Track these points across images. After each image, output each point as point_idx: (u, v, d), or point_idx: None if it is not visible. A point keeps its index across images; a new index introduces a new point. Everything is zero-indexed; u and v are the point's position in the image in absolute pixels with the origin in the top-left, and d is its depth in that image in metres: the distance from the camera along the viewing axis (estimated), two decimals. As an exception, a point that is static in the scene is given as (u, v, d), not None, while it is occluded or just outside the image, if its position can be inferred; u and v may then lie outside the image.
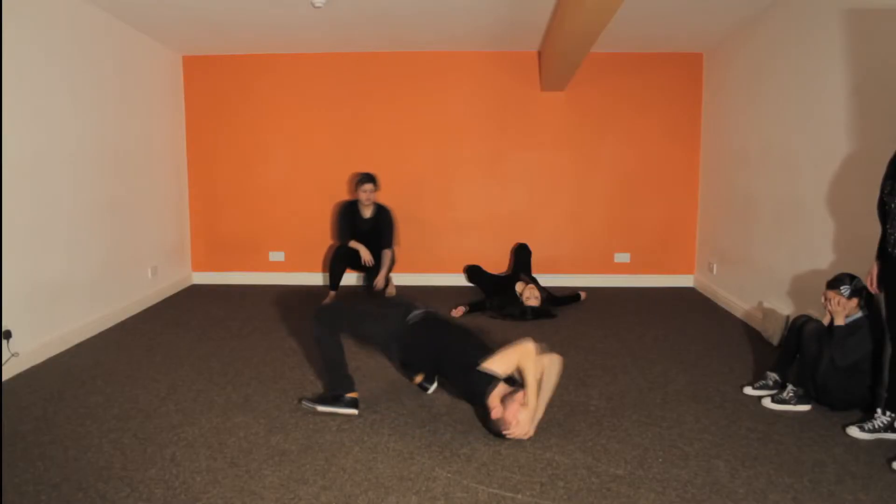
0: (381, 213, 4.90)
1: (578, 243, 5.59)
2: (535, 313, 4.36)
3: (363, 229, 4.84)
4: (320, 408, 2.69)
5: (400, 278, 5.52)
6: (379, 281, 4.75)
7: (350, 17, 4.27)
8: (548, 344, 3.74)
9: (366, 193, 4.76)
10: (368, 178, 4.78)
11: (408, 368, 2.94)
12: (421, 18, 4.33)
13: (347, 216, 4.84)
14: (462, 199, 5.56)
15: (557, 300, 4.67)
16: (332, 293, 4.80)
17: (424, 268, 5.59)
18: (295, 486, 2.12)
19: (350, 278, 5.25)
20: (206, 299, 5.03)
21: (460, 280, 5.52)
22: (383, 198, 5.54)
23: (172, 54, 5.24)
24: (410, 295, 5.06)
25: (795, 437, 2.50)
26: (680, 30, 4.58)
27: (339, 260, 4.78)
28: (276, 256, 5.65)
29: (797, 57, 3.69)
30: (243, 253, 5.65)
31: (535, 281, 4.75)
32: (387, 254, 4.82)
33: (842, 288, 2.68)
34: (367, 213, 4.85)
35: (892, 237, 2.42)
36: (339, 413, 2.68)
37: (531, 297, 4.42)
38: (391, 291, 5.05)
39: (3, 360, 3.13)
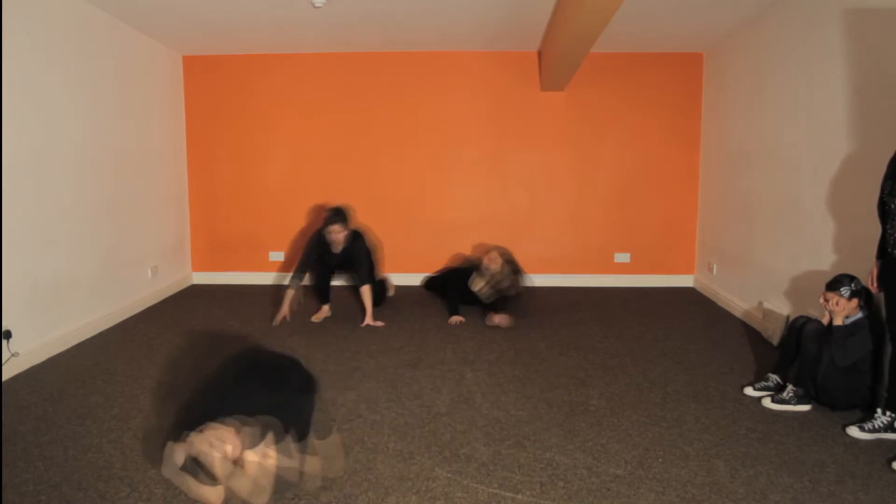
0: (354, 244, 4.19)
1: (578, 243, 5.59)
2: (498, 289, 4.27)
3: (333, 264, 4.27)
4: None
5: (400, 278, 5.53)
6: (371, 322, 4.17)
7: (350, 17, 4.27)
8: (547, 344, 3.76)
9: (331, 235, 4.07)
10: (334, 218, 4.05)
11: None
12: (421, 18, 4.33)
13: (315, 249, 4.18)
14: (462, 198, 5.56)
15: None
16: (325, 306, 4.42)
17: (425, 268, 5.58)
18: (295, 486, 2.12)
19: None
20: (206, 299, 5.03)
21: (460, 280, 5.52)
22: (384, 199, 5.56)
23: (172, 54, 5.25)
24: (413, 294, 5.07)
25: (795, 437, 2.50)
26: (680, 30, 4.58)
27: (321, 279, 4.32)
28: (277, 256, 5.65)
29: (797, 57, 3.69)
30: (243, 253, 5.65)
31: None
32: (364, 292, 4.19)
33: (842, 289, 2.68)
34: (338, 247, 4.17)
35: (892, 237, 2.42)
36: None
37: (492, 262, 4.29)
38: (391, 293, 4.97)
39: (3, 360, 3.13)
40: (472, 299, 4.46)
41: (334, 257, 4.21)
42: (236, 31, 4.63)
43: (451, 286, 4.60)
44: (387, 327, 4.14)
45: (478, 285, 4.40)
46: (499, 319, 4.15)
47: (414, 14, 4.22)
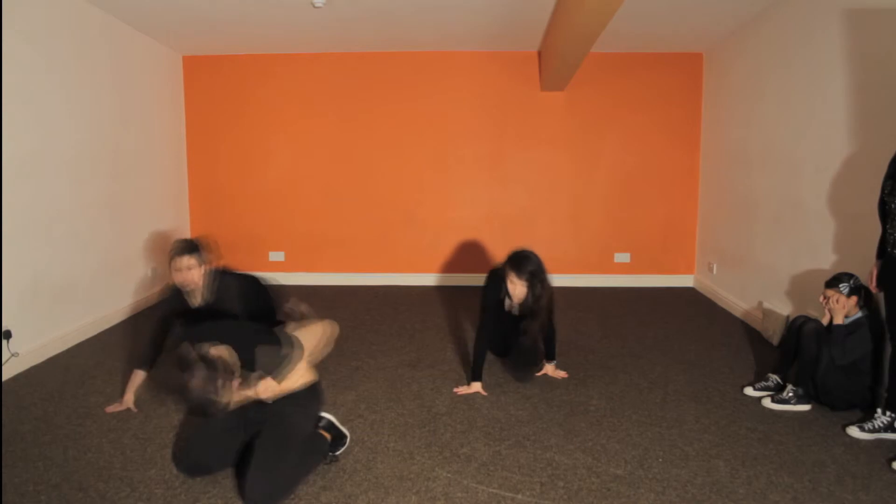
0: (224, 292, 2.76)
1: (578, 243, 5.59)
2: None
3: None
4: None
5: (400, 279, 5.53)
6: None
7: (350, 17, 4.27)
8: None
9: (180, 274, 2.66)
10: (183, 248, 2.68)
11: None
12: (421, 18, 4.33)
13: (170, 306, 2.81)
14: (462, 199, 5.56)
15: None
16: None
17: (424, 268, 5.58)
18: (295, 486, 2.12)
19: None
20: (206, 299, 5.02)
21: (460, 280, 5.52)
22: (384, 199, 5.56)
23: (172, 54, 5.25)
24: (413, 294, 5.06)
25: (795, 437, 2.50)
26: (680, 30, 4.58)
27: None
28: (276, 256, 5.64)
29: (797, 57, 3.69)
30: (243, 253, 5.64)
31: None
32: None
33: (840, 286, 2.68)
34: (197, 298, 2.76)
35: (892, 237, 2.42)
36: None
37: (516, 294, 2.89)
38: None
39: (3, 360, 3.13)
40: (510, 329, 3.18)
41: (196, 313, 2.75)
42: (236, 31, 4.63)
43: (480, 339, 3.05)
44: (387, 327, 4.13)
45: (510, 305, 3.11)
46: (555, 373, 3.24)
47: (414, 14, 4.22)
